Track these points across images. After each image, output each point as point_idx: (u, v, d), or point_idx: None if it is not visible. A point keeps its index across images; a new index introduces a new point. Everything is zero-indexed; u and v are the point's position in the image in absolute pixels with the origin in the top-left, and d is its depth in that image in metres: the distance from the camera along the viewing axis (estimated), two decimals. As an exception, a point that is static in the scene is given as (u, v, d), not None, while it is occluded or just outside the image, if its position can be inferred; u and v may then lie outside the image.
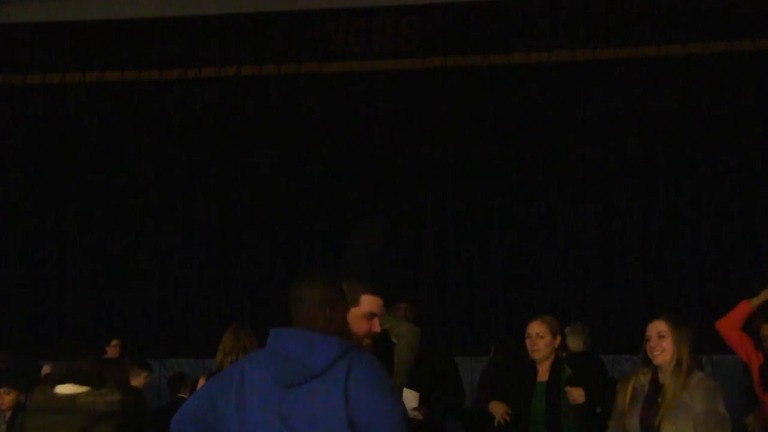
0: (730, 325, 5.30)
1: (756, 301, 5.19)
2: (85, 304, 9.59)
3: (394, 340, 3.99)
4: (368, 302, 3.28)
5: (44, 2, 9.76)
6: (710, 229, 9.04)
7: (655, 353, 3.74)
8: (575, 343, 6.04)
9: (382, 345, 2.74)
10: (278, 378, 2.56)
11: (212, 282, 9.55)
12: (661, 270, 9.03)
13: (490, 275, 9.29)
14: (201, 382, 5.08)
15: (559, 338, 4.46)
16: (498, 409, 4.48)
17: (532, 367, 4.47)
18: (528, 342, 4.47)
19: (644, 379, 3.79)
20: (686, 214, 9.09)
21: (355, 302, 3.24)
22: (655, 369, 3.78)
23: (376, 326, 3.25)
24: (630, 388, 3.80)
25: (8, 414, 5.30)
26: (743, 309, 5.24)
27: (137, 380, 6.09)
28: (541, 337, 4.41)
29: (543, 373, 4.43)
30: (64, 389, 3.70)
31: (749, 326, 5.30)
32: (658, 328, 3.77)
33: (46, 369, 5.51)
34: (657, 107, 9.18)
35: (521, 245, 9.28)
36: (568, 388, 4.31)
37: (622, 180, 9.21)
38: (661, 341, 3.73)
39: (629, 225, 9.17)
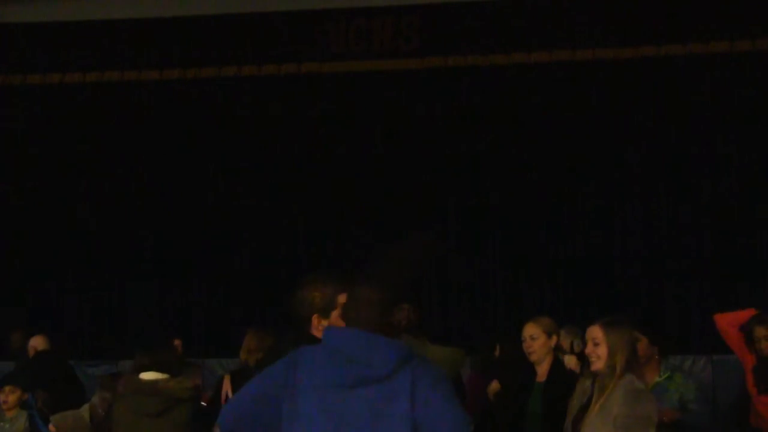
0: (729, 322, 5.30)
1: None
2: (85, 304, 9.60)
3: None
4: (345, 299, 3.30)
5: (44, 2, 9.76)
6: (711, 229, 9.04)
7: (591, 360, 3.72)
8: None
9: None
10: (339, 378, 2.52)
11: (212, 282, 9.55)
12: (661, 270, 9.04)
13: (490, 275, 9.29)
14: (226, 381, 5.13)
15: (555, 338, 4.45)
16: (493, 386, 4.55)
17: (531, 367, 4.48)
18: (524, 345, 4.46)
19: (588, 382, 3.78)
20: (686, 213, 9.09)
21: (334, 305, 3.26)
22: (595, 375, 3.76)
23: None
24: (578, 391, 3.81)
25: (12, 413, 5.33)
26: (749, 313, 5.24)
27: (195, 378, 6.16)
28: (535, 338, 4.40)
29: (542, 374, 4.43)
30: (148, 376, 4.45)
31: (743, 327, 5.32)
32: (592, 334, 3.75)
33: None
34: (657, 107, 9.18)
35: (522, 245, 9.28)
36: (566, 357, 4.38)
37: (622, 180, 9.21)
38: (596, 348, 3.70)
39: (630, 224, 9.17)
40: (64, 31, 9.86)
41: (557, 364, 4.42)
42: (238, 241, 9.64)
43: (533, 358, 4.43)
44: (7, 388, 5.42)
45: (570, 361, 4.45)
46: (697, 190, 9.10)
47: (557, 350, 4.54)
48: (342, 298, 3.32)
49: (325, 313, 3.32)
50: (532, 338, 4.41)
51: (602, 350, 3.69)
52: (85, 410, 5.75)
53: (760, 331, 5.16)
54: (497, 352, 6.75)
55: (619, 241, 9.16)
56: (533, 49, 9.29)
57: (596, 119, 9.26)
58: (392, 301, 2.70)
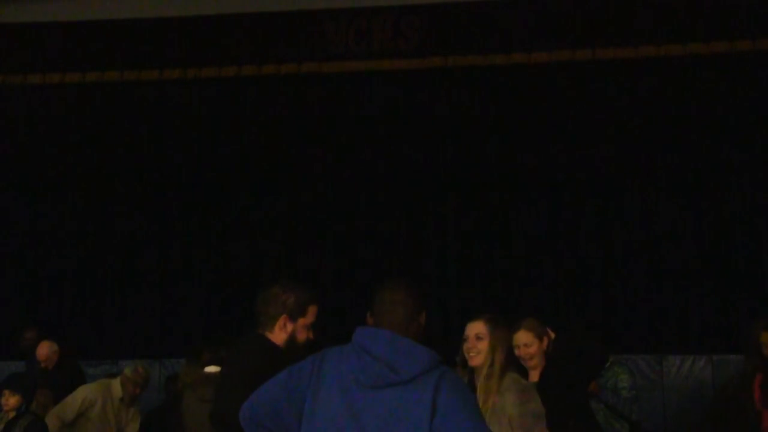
0: None
1: None
2: (86, 303, 9.60)
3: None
4: (313, 313, 3.34)
5: (44, 2, 9.76)
6: (711, 228, 9.04)
7: (471, 354, 3.69)
8: None
9: (316, 349, 2.78)
10: (362, 377, 2.52)
11: (212, 282, 9.55)
12: (661, 271, 9.03)
13: (490, 275, 9.29)
14: None
15: (546, 340, 4.40)
16: None
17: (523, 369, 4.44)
18: (517, 353, 4.41)
19: (466, 379, 3.74)
20: (687, 214, 9.09)
21: (304, 312, 3.29)
22: (472, 370, 3.73)
23: (311, 334, 3.41)
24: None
25: (11, 415, 5.36)
26: None
27: None
28: (529, 345, 4.37)
29: (534, 375, 4.39)
30: (210, 369, 5.29)
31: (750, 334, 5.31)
32: (476, 329, 3.72)
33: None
34: (657, 107, 9.18)
35: (522, 245, 9.28)
36: None
37: (622, 180, 9.21)
38: (478, 343, 3.68)
39: (630, 225, 9.16)
40: (64, 31, 9.86)
41: (549, 364, 4.37)
42: (239, 241, 9.63)
43: (530, 364, 4.38)
44: (6, 392, 5.44)
45: None
46: (697, 189, 9.09)
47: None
48: (312, 310, 3.38)
49: (293, 317, 3.38)
50: (527, 345, 4.37)
51: (484, 345, 3.68)
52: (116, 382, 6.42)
53: (766, 337, 5.16)
54: None
55: (619, 242, 9.15)
56: (533, 49, 9.29)
57: (596, 119, 9.25)
58: (419, 304, 2.70)
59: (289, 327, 3.38)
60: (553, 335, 4.55)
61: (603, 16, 9.23)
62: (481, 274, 9.32)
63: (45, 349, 7.21)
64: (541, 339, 4.38)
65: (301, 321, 3.41)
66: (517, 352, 4.40)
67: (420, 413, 2.46)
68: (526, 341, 4.37)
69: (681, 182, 9.13)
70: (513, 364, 3.80)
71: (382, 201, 9.47)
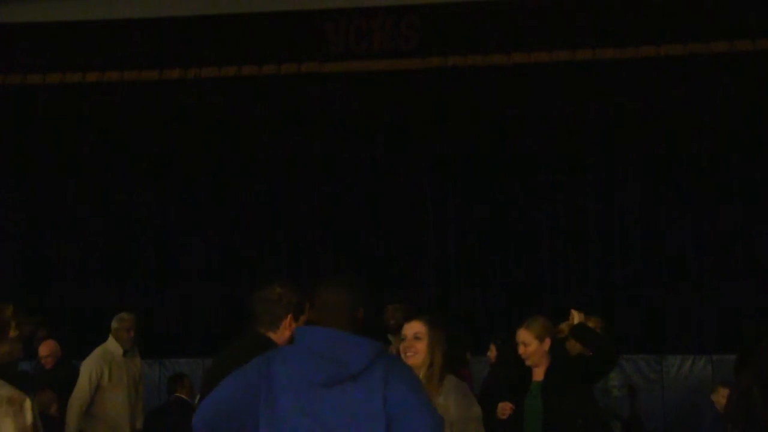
0: None
1: None
2: (86, 303, 9.60)
3: None
4: (308, 310, 3.38)
5: (44, 2, 9.75)
6: (711, 228, 9.04)
7: (408, 354, 3.68)
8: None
9: None
10: (314, 376, 2.54)
11: (212, 282, 9.55)
12: (661, 271, 9.03)
13: (490, 275, 9.29)
14: None
15: (548, 341, 4.37)
16: (503, 406, 4.48)
17: (528, 367, 4.45)
18: (519, 350, 4.46)
19: None
20: (687, 213, 9.09)
21: (304, 311, 3.34)
22: None
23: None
24: None
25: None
26: None
27: None
28: (527, 345, 4.37)
29: (539, 373, 4.40)
30: None
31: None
32: (415, 329, 3.71)
33: None
34: (657, 107, 9.17)
35: (522, 245, 9.28)
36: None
37: (622, 179, 9.21)
38: (416, 342, 3.68)
39: (630, 225, 9.17)
40: (64, 31, 9.85)
41: (555, 363, 4.39)
42: (239, 241, 9.63)
43: (528, 363, 4.41)
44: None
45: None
46: (696, 189, 9.09)
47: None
48: (308, 307, 3.42)
49: (296, 316, 3.44)
50: (525, 344, 4.37)
51: (422, 345, 3.67)
52: None
53: None
54: (492, 353, 6.78)
55: (619, 242, 9.15)
56: (533, 49, 9.28)
57: (596, 119, 9.25)
58: (358, 300, 2.72)
59: (293, 326, 3.43)
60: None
61: (603, 16, 9.23)
62: (481, 275, 9.32)
63: (47, 348, 7.22)
64: (541, 340, 4.36)
65: (302, 319, 3.46)
66: (519, 349, 4.43)
67: (375, 404, 2.50)
68: (525, 340, 4.38)
69: (681, 181, 9.13)
70: (449, 365, 3.79)
71: (382, 199, 9.47)
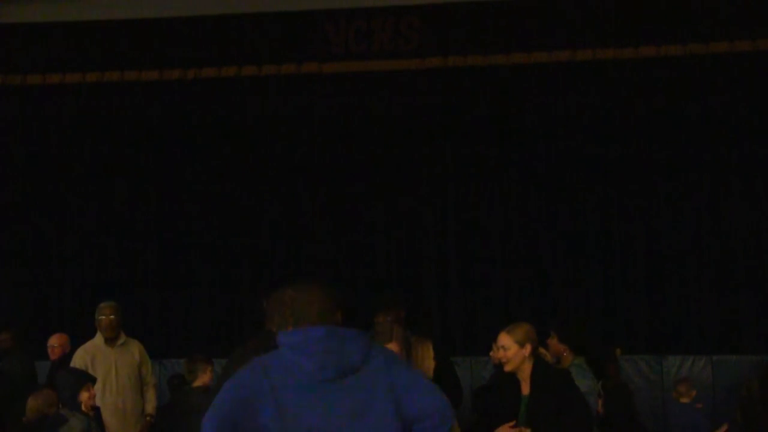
0: None
1: None
2: (86, 303, 9.59)
3: None
4: None
5: (44, 2, 9.75)
6: (711, 228, 9.04)
7: None
8: None
9: None
10: (318, 372, 2.55)
11: (212, 282, 9.55)
12: (661, 271, 9.04)
13: (490, 274, 9.29)
14: None
15: (529, 346, 4.28)
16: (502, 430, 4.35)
17: (515, 379, 4.37)
18: (499, 353, 4.44)
19: None
20: (687, 213, 9.09)
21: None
22: None
23: None
24: None
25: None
26: None
27: (206, 375, 6.11)
28: (507, 348, 4.30)
29: (525, 387, 4.34)
30: None
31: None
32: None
33: None
34: (657, 107, 9.18)
35: (521, 245, 9.28)
36: None
37: (622, 180, 9.21)
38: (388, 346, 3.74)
39: (630, 225, 9.17)
40: (64, 31, 9.85)
41: (537, 375, 4.30)
42: (239, 241, 9.63)
43: (506, 368, 4.35)
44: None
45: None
46: (697, 189, 9.09)
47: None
48: None
49: None
50: (504, 348, 4.32)
51: (393, 347, 3.75)
52: None
53: None
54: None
55: (619, 242, 9.15)
56: (533, 49, 9.29)
57: (596, 119, 9.25)
58: (336, 303, 2.77)
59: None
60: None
61: (603, 16, 9.24)
62: (482, 273, 9.31)
63: (57, 339, 7.26)
64: (522, 345, 4.28)
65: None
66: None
67: (383, 392, 2.54)
68: (504, 344, 4.33)
69: (681, 181, 9.13)
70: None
71: (383, 199, 9.47)
